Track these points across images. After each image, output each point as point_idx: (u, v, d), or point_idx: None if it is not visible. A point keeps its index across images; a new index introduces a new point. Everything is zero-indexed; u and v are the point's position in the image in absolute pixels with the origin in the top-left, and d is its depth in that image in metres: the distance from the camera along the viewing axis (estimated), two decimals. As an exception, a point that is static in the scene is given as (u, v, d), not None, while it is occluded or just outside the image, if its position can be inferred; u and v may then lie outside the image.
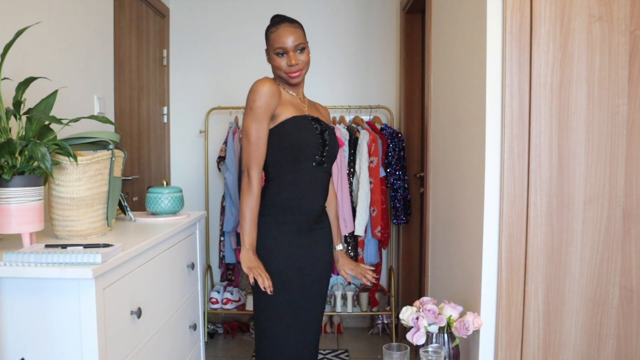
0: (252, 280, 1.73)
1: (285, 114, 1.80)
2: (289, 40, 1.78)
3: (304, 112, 1.87)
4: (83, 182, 1.51)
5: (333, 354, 3.16)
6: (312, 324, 1.91)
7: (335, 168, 3.02)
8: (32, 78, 1.46)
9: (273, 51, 1.81)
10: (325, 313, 3.45)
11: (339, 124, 3.31)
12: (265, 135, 1.78)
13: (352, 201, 3.19)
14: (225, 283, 3.49)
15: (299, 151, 1.79)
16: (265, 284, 1.71)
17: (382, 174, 3.21)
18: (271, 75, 1.89)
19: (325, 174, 1.87)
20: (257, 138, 1.77)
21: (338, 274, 3.28)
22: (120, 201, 1.94)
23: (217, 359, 3.14)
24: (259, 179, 1.79)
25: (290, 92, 1.88)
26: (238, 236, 3.14)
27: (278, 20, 1.83)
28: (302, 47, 1.81)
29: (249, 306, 3.38)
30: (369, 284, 2.02)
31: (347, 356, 3.13)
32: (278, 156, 1.80)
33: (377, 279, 3.41)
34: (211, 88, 3.54)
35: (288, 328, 1.83)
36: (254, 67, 3.39)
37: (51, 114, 1.50)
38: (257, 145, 1.78)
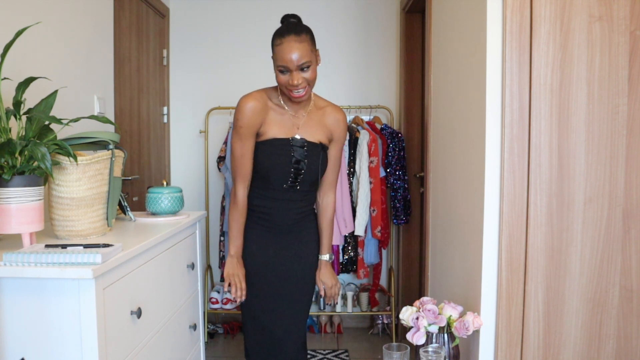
0: (225, 287, 1.84)
1: (268, 134, 1.79)
2: (292, 57, 1.65)
3: (290, 133, 1.81)
4: (83, 182, 1.51)
5: (333, 354, 3.16)
6: (279, 322, 1.91)
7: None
8: (32, 78, 1.46)
9: (276, 67, 1.70)
10: (325, 313, 3.46)
11: (339, 124, 3.31)
12: (250, 151, 1.80)
13: (352, 201, 3.19)
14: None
15: (267, 174, 1.82)
16: (237, 293, 1.82)
17: (382, 174, 3.21)
18: (268, 75, 1.90)
19: (299, 193, 1.87)
20: (241, 155, 1.79)
21: (338, 274, 3.30)
22: (120, 201, 1.94)
23: (217, 359, 3.14)
24: (245, 193, 1.85)
25: (285, 108, 1.81)
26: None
27: (284, 31, 1.70)
28: (307, 65, 1.68)
29: (249, 306, 3.38)
30: (328, 300, 2.04)
31: (347, 356, 3.13)
32: (254, 170, 1.85)
33: (375, 283, 3.40)
34: (211, 88, 3.54)
35: (253, 322, 1.92)
36: (254, 67, 3.39)
37: (51, 114, 1.50)
38: (241, 162, 1.80)
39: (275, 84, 1.80)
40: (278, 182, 1.83)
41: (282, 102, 1.82)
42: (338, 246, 3.21)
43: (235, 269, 1.85)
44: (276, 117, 1.81)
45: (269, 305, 1.91)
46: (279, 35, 1.70)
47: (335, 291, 2.01)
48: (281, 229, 1.89)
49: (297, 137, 1.82)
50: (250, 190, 1.89)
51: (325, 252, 2.00)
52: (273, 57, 1.73)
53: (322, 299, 3.31)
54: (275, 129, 1.80)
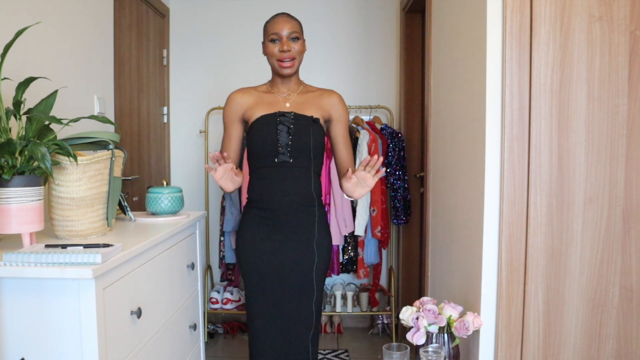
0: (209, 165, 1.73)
1: (256, 114, 1.88)
2: (284, 28, 1.83)
3: (278, 109, 1.88)
4: (83, 182, 1.51)
5: (333, 354, 3.16)
6: (275, 314, 1.89)
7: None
8: (32, 78, 1.46)
9: (267, 38, 1.86)
10: (325, 313, 3.46)
11: (339, 124, 3.31)
12: (234, 138, 1.92)
13: (352, 201, 3.19)
14: (225, 283, 3.49)
15: (257, 150, 1.87)
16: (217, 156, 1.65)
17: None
18: (268, 74, 1.93)
19: (295, 169, 1.84)
20: (223, 141, 1.94)
21: (338, 274, 3.30)
22: (120, 201, 1.94)
23: (217, 359, 3.14)
24: None
25: (271, 90, 1.93)
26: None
27: (277, 13, 1.90)
28: (296, 37, 1.85)
29: (249, 306, 3.37)
30: (378, 170, 1.72)
31: (347, 356, 3.13)
32: (248, 155, 1.92)
33: (376, 282, 3.41)
34: (211, 88, 3.54)
35: (252, 314, 1.92)
36: (254, 67, 3.39)
37: (51, 114, 1.50)
38: (223, 147, 1.92)
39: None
40: (269, 156, 1.84)
41: (270, 88, 1.95)
42: (338, 246, 3.21)
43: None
44: (264, 100, 1.91)
45: (267, 308, 1.89)
46: (272, 16, 1.90)
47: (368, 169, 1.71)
48: (281, 220, 1.86)
49: (285, 110, 1.89)
50: (249, 180, 1.93)
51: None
52: (264, 36, 1.88)
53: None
54: (263, 109, 1.89)
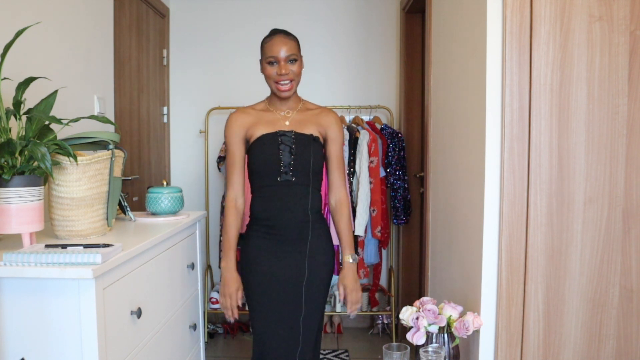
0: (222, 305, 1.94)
1: (257, 134, 1.89)
2: (281, 50, 1.82)
3: (278, 128, 1.89)
4: (83, 182, 1.51)
5: (333, 354, 3.16)
6: (274, 325, 1.89)
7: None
8: (32, 78, 1.46)
9: (265, 60, 1.86)
10: (325, 313, 3.46)
11: (339, 124, 3.31)
12: (238, 159, 1.92)
13: (352, 201, 3.19)
14: (225, 283, 3.49)
15: (260, 169, 1.88)
16: (228, 313, 1.91)
17: (382, 174, 3.21)
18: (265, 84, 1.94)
19: (297, 187, 1.86)
20: (229, 164, 1.94)
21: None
22: (120, 201, 1.94)
23: (217, 359, 3.14)
24: (233, 201, 1.92)
25: (270, 109, 1.94)
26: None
27: (274, 32, 1.89)
28: (294, 59, 1.85)
29: (249, 306, 3.37)
30: (349, 313, 1.95)
31: (347, 356, 3.13)
32: (250, 173, 1.93)
33: (374, 286, 3.41)
34: (211, 88, 3.54)
35: (258, 324, 1.93)
36: (254, 67, 3.37)
37: (51, 114, 1.50)
38: (229, 170, 1.93)
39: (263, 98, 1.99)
40: (272, 175, 1.85)
41: (269, 106, 1.95)
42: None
43: (227, 287, 1.88)
44: (263, 119, 1.92)
45: (268, 319, 1.89)
46: (268, 36, 1.89)
47: (355, 297, 1.92)
48: (280, 235, 1.87)
49: (285, 129, 1.89)
50: (252, 197, 1.93)
51: (348, 252, 1.94)
52: (261, 57, 1.89)
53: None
54: (263, 128, 1.90)
